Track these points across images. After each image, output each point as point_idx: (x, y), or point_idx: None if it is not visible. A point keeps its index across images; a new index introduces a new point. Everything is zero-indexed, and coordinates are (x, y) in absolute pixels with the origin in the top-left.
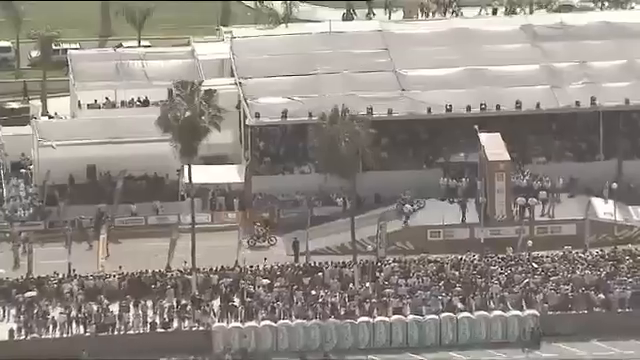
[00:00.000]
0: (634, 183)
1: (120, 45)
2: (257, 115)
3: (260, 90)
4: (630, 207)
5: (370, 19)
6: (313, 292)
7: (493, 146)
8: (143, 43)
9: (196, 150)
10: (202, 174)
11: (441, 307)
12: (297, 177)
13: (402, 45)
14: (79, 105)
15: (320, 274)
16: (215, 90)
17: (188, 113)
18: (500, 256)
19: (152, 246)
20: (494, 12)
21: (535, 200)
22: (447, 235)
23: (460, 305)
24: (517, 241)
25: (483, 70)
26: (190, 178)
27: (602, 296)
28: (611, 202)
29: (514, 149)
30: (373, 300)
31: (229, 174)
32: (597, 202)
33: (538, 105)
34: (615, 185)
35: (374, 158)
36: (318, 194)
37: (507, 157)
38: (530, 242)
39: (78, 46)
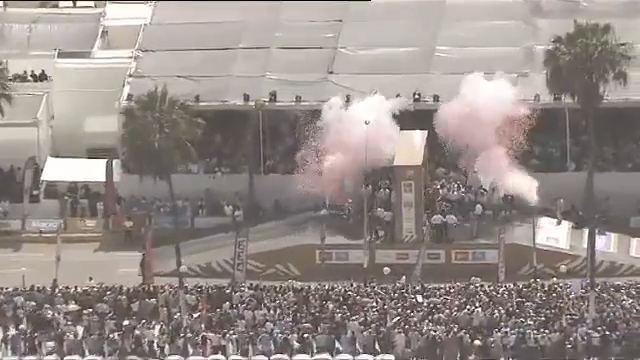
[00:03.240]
0: (607, 201)
1: (56, 6)
2: (129, 97)
3: (157, 66)
4: (587, 230)
5: None
6: (126, 322)
7: (407, 147)
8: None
9: None
10: (64, 169)
11: (273, 347)
12: (181, 178)
13: (361, 17)
14: None
15: (153, 300)
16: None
17: None
18: (384, 286)
19: None
20: None
21: (454, 218)
22: (340, 258)
23: (297, 345)
24: (414, 268)
25: (443, 52)
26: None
27: (477, 342)
28: (566, 224)
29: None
30: (189, 335)
31: (101, 171)
32: (544, 223)
33: None
34: (562, 202)
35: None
36: (205, 200)
37: (418, 162)
38: (387, 269)
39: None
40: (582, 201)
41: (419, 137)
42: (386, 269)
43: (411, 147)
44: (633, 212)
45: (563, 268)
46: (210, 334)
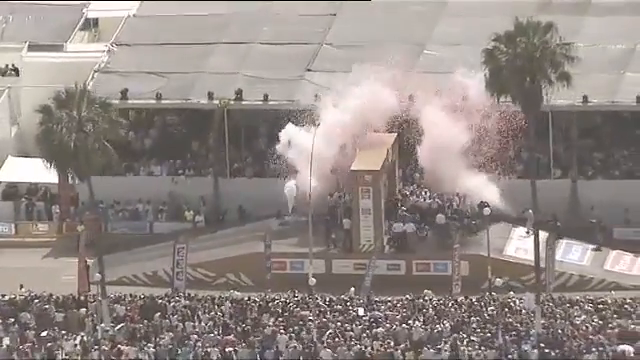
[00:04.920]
0: (591, 211)
1: None
2: None
3: (130, 60)
4: (564, 242)
5: None
6: (44, 333)
7: (370, 151)
8: None
9: None
10: (24, 169)
11: None
12: (143, 180)
13: (356, 11)
14: None
15: (83, 310)
16: None
17: None
18: (329, 298)
19: None
20: None
21: (412, 226)
22: (295, 268)
23: (216, 358)
24: (363, 280)
25: (432, 50)
26: None
27: (409, 358)
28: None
29: None
30: (103, 347)
31: None
32: (517, 234)
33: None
34: (530, 212)
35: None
36: (168, 203)
37: (376, 166)
38: (313, 280)
39: None
40: (565, 210)
41: (385, 140)
42: (312, 280)
43: (374, 150)
44: (618, 222)
45: (498, 282)
46: (125, 346)
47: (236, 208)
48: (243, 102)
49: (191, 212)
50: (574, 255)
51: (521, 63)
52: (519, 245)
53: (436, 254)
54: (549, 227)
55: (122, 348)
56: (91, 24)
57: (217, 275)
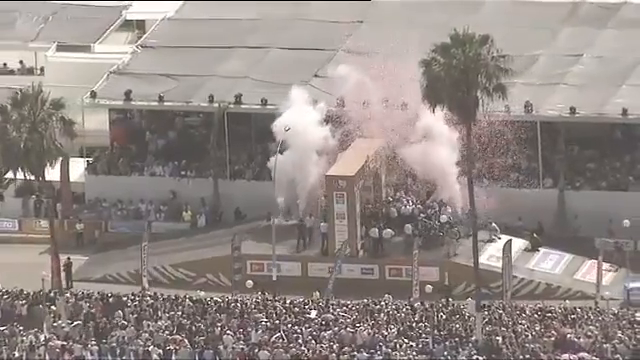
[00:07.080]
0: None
1: None
2: (93, 95)
3: (149, 62)
4: (542, 250)
5: None
6: (2, 328)
7: (350, 156)
8: None
9: None
10: None
11: (133, 359)
12: (145, 180)
13: (381, 16)
14: None
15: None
16: None
17: None
18: (290, 301)
19: None
20: None
21: (390, 232)
22: (271, 270)
23: (155, 357)
24: (327, 283)
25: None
26: None
27: None
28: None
29: None
30: (50, 344)
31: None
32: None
33: None
34: (494, 225)
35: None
36: (169, 203)
37: (351, 172)
38: (250, 283)
39: None
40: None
41: (371, 146)
42: (249, 282)
43: (354, 156)
44: (602, 233)
45: (429, 288)
46: (71, 344)
47: (233, 210)
48: (242, 106)
49: (189, 212)
50: (547, 264)
51: (456, 74)
52: (493, 253)
53: (408, 260)
54: (529, 237)
55: (67, 345)
56: (135, 25)
57: (197, 275)
